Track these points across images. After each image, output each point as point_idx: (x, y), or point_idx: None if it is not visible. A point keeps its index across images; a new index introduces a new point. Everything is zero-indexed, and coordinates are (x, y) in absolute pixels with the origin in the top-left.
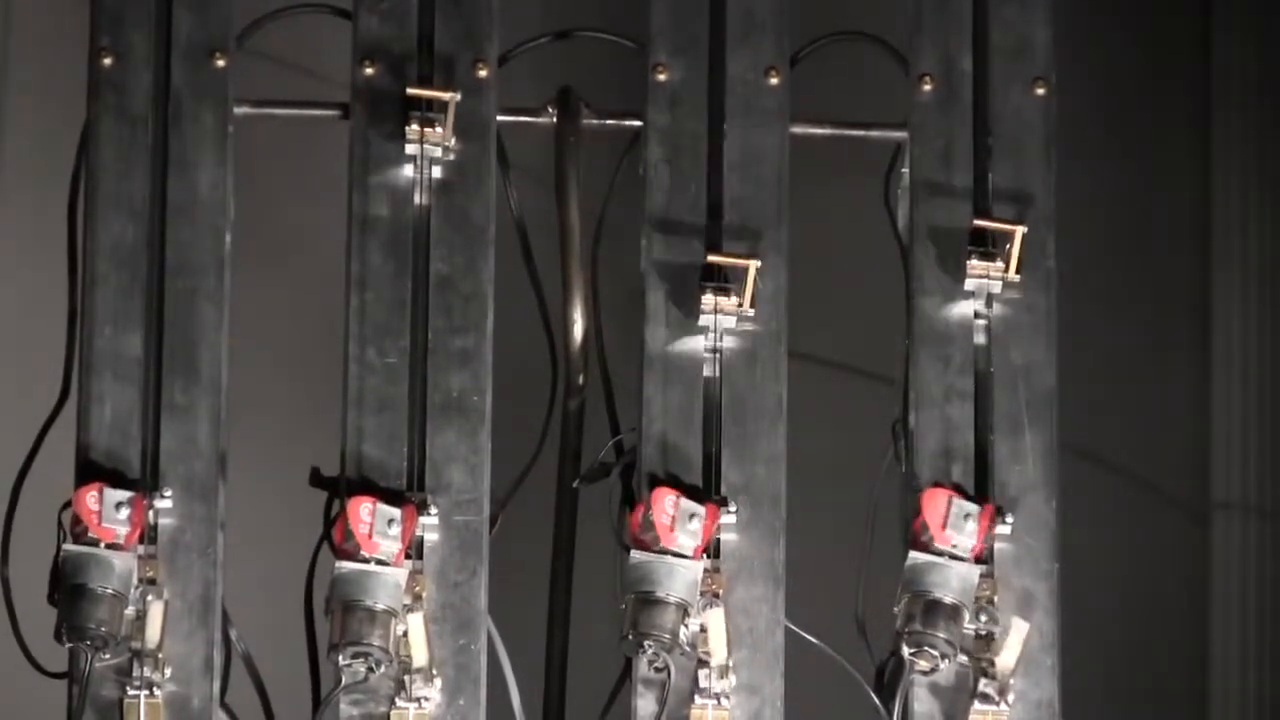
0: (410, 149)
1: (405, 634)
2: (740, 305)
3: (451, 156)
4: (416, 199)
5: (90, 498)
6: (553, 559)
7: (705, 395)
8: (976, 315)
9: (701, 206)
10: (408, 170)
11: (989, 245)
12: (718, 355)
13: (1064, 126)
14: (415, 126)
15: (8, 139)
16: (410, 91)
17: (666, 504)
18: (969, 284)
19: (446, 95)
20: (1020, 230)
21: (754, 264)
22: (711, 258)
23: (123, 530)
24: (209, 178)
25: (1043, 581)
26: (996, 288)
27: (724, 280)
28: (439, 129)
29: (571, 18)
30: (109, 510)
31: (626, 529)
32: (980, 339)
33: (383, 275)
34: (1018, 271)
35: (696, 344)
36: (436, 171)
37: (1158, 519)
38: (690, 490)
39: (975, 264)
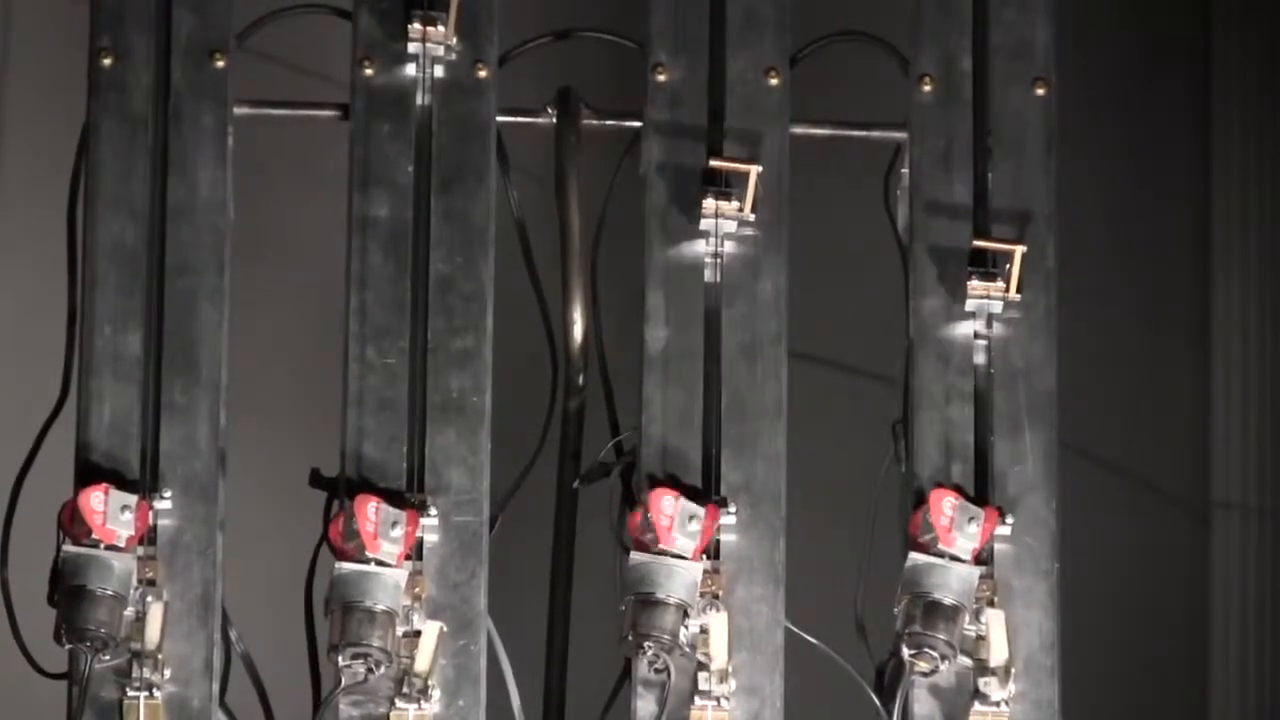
0: (413, 47)
1: (407, 635)
2: (741, 210)
3: (453, 56)
4: (419, 99)
5: (95, 498)
6: (553, 559)
7: (705, 396)
8: (976, 335)
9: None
10: (411, 70)
11: (988, 261)
12: (718, 260)
13: (1064, 126)
14: (418, 25)
15: (8, 139)
16: None
17: (665, 505)
18: (970, 304)
19: None
20: (1020, 250)
21: (755, 169)
22: (713, 162)
23: (125, 532)
24: (209, 178)
25: (1043, 581)
26: (997, 307)
27: (725, 185)
28: (440, 27)
29: (571, 18)
30: (114, 512)
31: (626, 529)
32: (980, 358)
33: (383, 275)
34: (1018, 291)
35: (698, 249)
36: (439, 71)
37: (1158, 519)
38: (690, 490)
39: (975, 284)
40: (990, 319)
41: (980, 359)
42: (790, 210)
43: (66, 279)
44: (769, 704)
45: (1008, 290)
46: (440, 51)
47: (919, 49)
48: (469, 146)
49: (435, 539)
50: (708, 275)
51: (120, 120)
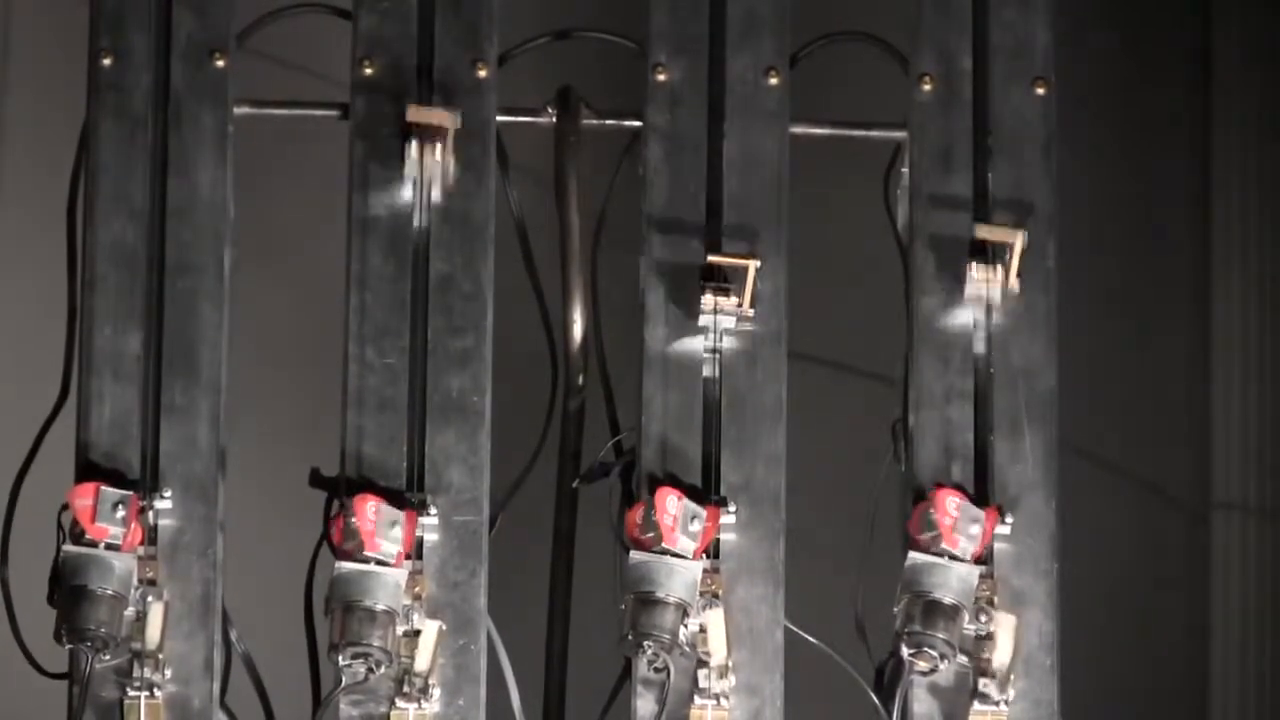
0: (409, 173)
1: (407, 634)
2: (740, 305)
3: (450, 183)
4: (416, 221)
5: (85, 498)
6: (553, 559)
7: (705, 395)
8: (976, 325)
9: (701, 206)
10: (407, 193)
11: (989, 254)
12: (717, 355)
13: (1064, 126)
14: (414, 155)
15: (8, 139)
16: (410, 118)
17: (670, 504)
18: (969, 291)
19: (445, 122)
20: (1020, 234)
21: (753, 264)
22: (711, 258)
23: (118, 530)
24: (209, 178)
25: (1042, 581)
26: (996, 296)
27: (724, 280)
28: (438, 156)
29: (571, 18)
30: (104, 509)
31: (626, 529)
32: (980, 348)
33: (382, 275)
34: (1017, 277)
35: (696, 344)
36: (436, 195)
37: (1158, 519)
38: (690, 490)
39: (975, 273)
40: (990, 309)
41: (980, 348)
42: (790, 211)
43: (66, 279)
44: (769, 703)
45: (1007, 278)
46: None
47: (919, 49)
48: (469, 146)
49: (435, 538)
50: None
51: (120, 120)
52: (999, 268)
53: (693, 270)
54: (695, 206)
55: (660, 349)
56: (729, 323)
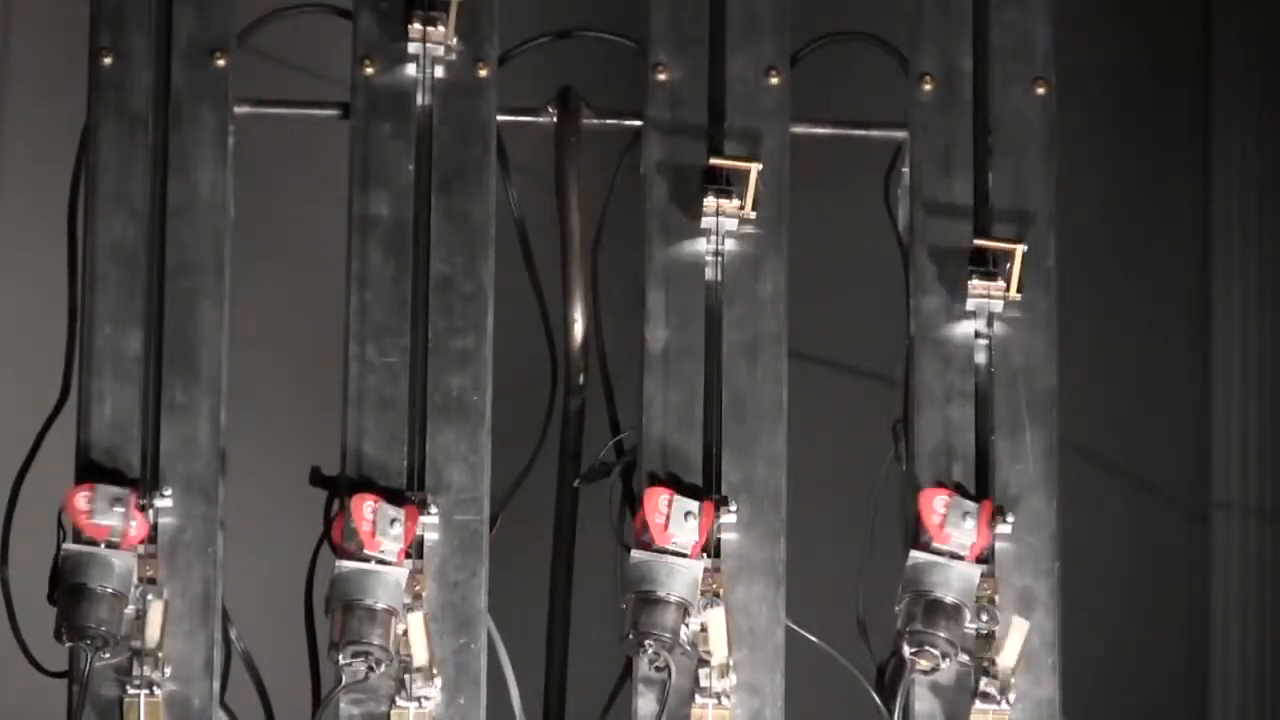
0: (413, 47)
1: (405, 633)
2: (742, 207)
3: (454, 56)
4: (419, 98)
5: (81, 498)
6: (553, 559)
7: (705, 396)
8: (977, 335)
9: (703, 113)
10: (411, 70)
11: (990, 264)
12: (719, 259)
13: (1064, 126)
14: (418, 25)
15: (8, 139)
16: None
17: (660, 503)
18: (970, 304)
19: None
20: (1020, 249)
21: (755, 166)
22: (714, 160)
23: (116, 527)
24: (209, 178)
25: (1043, 581)
26: (998, 307)
27: (726, 183)
28: (441, 27)
29: (571, 18)
30: (102, 506)
31: (627, 528)
32: (980, 358)
33: (383, 275)
34: (1019, 291)
35: (699, 247)
36: (439, 71)
37: (1158, 519)
38: (690, 489)
39: (976, 284)
40: (991, 318)
41: (981, 358)
42: (790, 210)
43: (67, 278)
44: (770, 703)
45: (1008, 290)
46: (440, 51)
47: (919, 49)
48: (469, 146)
49: (436, 538)
50: (708, 274)
51: (120, 120)
52: (999, 278)
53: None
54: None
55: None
56: (731, 225)
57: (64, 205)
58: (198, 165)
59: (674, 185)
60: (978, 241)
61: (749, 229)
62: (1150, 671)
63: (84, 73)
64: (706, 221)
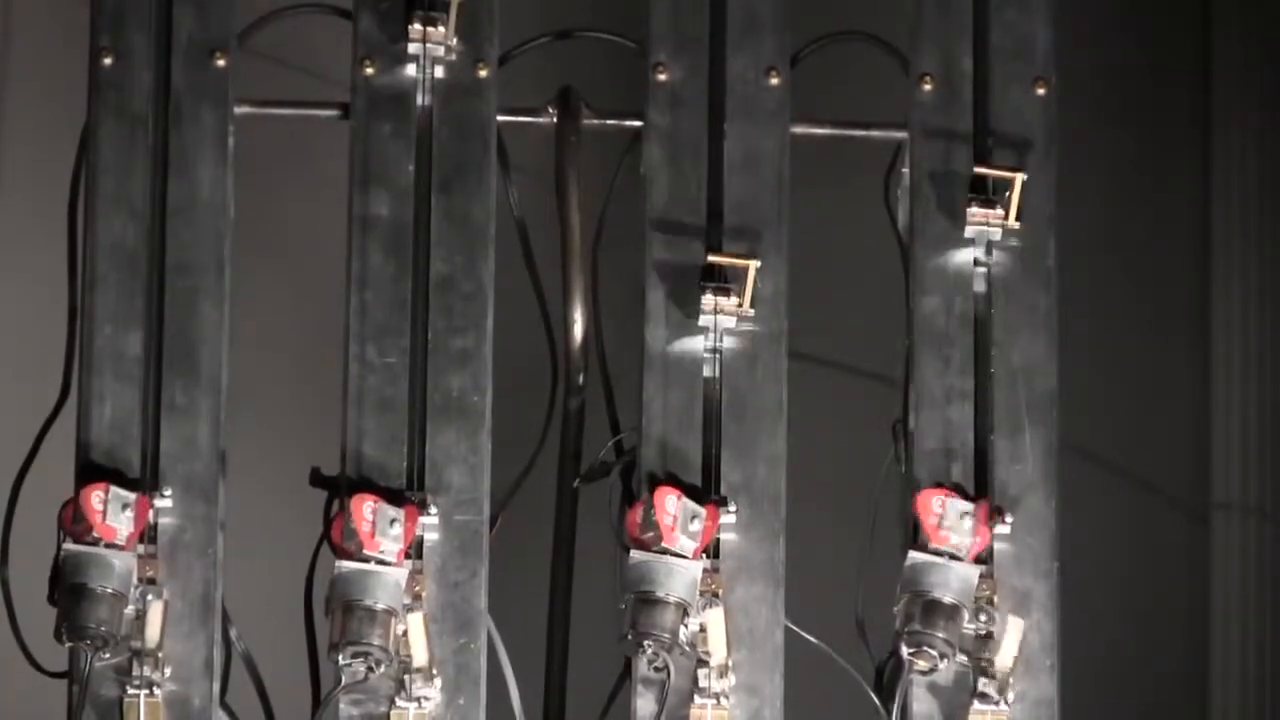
0: (413, 48)
1: (405, 633)
2: (740, 305)
3: (454, 56)
4: (419, 99)
5: (95, 497)
6: (553, 559)
7: (705, 395)
8: (977, 263)
9: (702, 207)
10: (411, 70)
11: (989, 192)
12: (718, 355)
13: (1064, 126)
14: (418, 25)
15: (8, 139)
16: None
17: (669, 504)
18: (969, 231)
19: None
20: (1020, 177)
21: (754, 264)
22: (712, 258)
23: (126, 530)
24: (209, 178)
25: (1042, 581)
26: (996, 234)
27: (724, 280)
28: (441, 28)
29: (571, 18)
30: (114, 510)
31: (626, 529)
32: (980, 286)
33: (383, 275)
34: (1018, 219)
35: (696, 344)
36: (439, 71)
37: (1158, 519)
38: (690, 490)
39: (975, 210)
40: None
41: (980, 287)
42: (790, 211)
43: (67, 278)
44: (769, 703)
45: (1006, 217)
46: (440, 52)
47: (919, 49)
48: (469, 146)
49: (436, 538)
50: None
51: (120, 120)
52: (998, 206)
53: (693, 270)
54: (696, 208)
55: (661, 349)
56: (729, 323)
57: (64, 205)
58: (198, 165)
59: (675, 184)
60: (977, 169)
61: (748, 232)
62: (1150, 671)
63: (84, 73)
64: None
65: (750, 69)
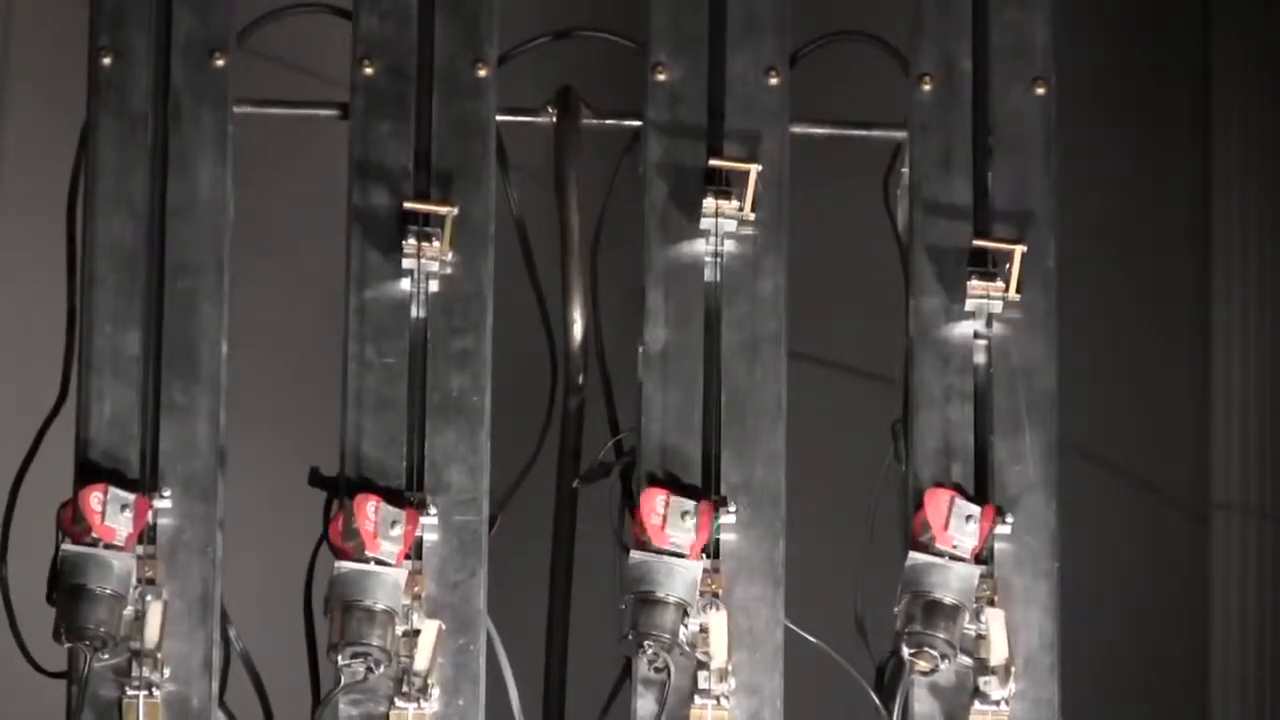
0: (407, 263)
1: (407, 634)
2: (741, 209)
3: (449, 270)
4: (414, 312)
5: (94, 497)
6: (553, 559)
7: (705, 396)
8: (977, 335)
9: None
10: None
11: (989, 265)
12: (719, 259)
13: (1064, 126)
14: (412, 241)
15: (8, 139)
16: (407, 206)
17: (656, 503)
18: (970, 304)
19: (444, 210)
20: (1019, 250)
21: (755, 168)
22: (713, 161)
23: (124, 530)
24: (209, 178)
25: (1043, 581)
26: (997, 307)
27: (725, 184)
28: (436, 243)
29: (571, 18)
30: (113, 510)
31: (626, 529)
32: (980, 358)
33: (382, 275)
34: (1018, 291)
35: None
36: (434, 286)
37: (1158, 519)
38: (689, 490)
39: (975, 284)
40: (990, 319)
41: (980, 359)
42: (790, 210)
43: (66, 278)
44: (769, 703)
45: (1007, 290)
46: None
47: (919, 49)
48: (469, 146)
49: (435, 538)
50: (707, 274)
51: (120, 120)
52: (998, 279)
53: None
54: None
55: (661, 350)
56: (730, 225)
57: (64, 205)
58: (197, 165)
59: (674, 185)
60: (977, 242)
61: (748, 230)
62: (1150, 671)
63: (84, 73)
64: (706, 223)
65: (750, 69)
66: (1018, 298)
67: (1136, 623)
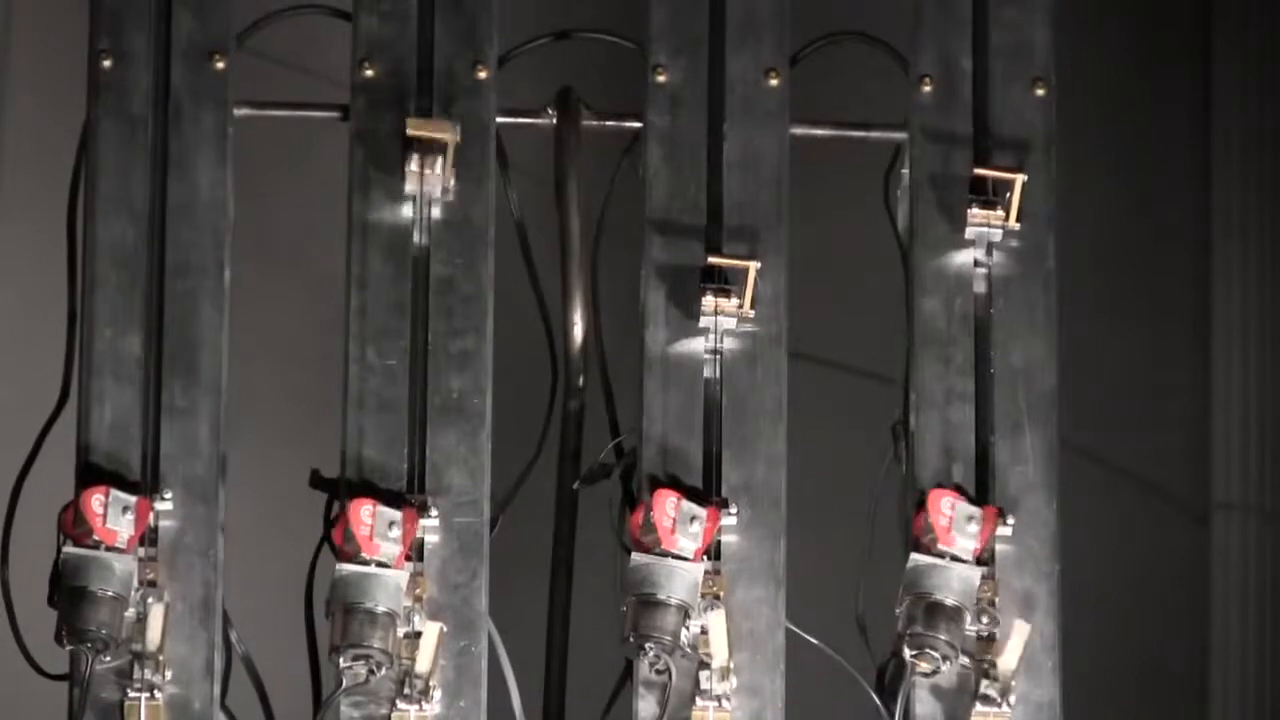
0: (409, 187)
1: (408, 636)
2: (740, 307)
3: (451, 197)
4: (416, 238)
5: (96, 500)
6: (553, 560)
7: (705, 396)
8: (977, 264)
9: (701, 207)
10: (407, 210)
11: (989, 193)
12: (718, 356)
13: (1063, 127)
14: (414, 168)
15: (8, 139)
16: (410, 132)
17: (668, 506)
18: (969, 232)
19: (446, 136)
20: (1020, 178)
21: (754, 265)
22: (712, 259)
23: (126, 533)
24: (209, 178)
25: (1044, 582)
26: (997, 235)
27: (724, 281)
28: (438, 170)
29: (571, 18)
30: (114, 512)
31: (627, 531)
32: (980, 287)
33: (382, 276)
34: (1018, 219)
35: (697, 345)
36: (436, 212)
37: (1158, 519)
38: (690, 491)
39: (976, 211)
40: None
41: (980, 288)
42: (790, 211)
43: (66, 280)
44: (770, 704)
45: (1006, 219)
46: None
47: (919, 49)
48: (469, 147)
49: (436, 540)
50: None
51: (120, 121)
52: (999, 208)
53: (693, 272)
54: (695, 208)
55: (660, 350)
56: (730, 324)
57: (64, 206)
58: (197, 166)
59: (674, 186)
60: (977, 170)
61: (749, 232)
62: (1150, 671)
63: (84, 74)
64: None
65: (750, 69)
66: (1017, 227)
67: (1136, 623)
